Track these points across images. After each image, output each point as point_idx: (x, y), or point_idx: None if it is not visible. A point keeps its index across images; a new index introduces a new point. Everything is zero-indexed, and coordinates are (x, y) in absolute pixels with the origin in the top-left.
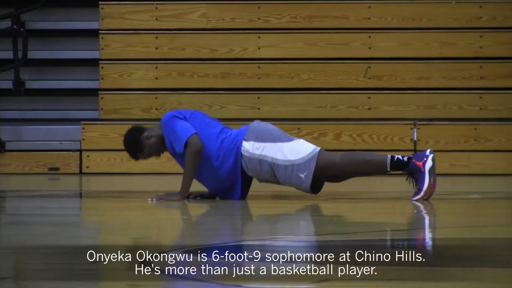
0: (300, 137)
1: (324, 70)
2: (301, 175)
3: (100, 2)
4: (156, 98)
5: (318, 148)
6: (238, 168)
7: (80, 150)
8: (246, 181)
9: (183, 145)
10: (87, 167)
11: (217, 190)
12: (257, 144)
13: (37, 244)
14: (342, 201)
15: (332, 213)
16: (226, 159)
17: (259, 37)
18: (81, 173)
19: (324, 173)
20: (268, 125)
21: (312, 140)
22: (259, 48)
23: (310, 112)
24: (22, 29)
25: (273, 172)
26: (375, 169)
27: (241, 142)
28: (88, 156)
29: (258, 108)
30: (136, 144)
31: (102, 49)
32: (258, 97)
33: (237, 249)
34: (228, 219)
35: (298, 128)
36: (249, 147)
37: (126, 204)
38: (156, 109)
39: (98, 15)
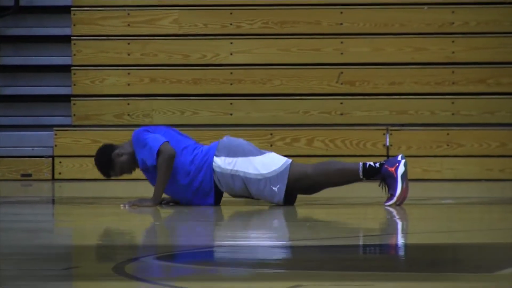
0: (272, 143)
1: (296, 76)
2: (274, 188)
3: (72, 8)
4: (128, 104)
5: (290, 161)
6: (210, 183)
7: (53, 156)
8: (218, 196)
9: (156, 154)
10: (60, 173)
11: (188, 204)
12: (229, 159)
13: (10, 250)
14: (315, 207)
15: (305, 218)
16: (197, 175)
17: (231, 43)
18: (53, 179)
19: (297, 185)
20: (238, 140)
21: (284, 146)
22: (231, 54)
23: (282, 117)
24: None
25: (245, 186)
26: (348, 178)
27: (212, 158)
28: (60, 162)
29: (231, 114)
30: (107, 162)
31: (74, 55)
32: (231, 103)
33: (210, 253)
34: (200, 224)
35: (271, 134)
36: (220, 162)
37: (98, 210)
38: (129, 115)
39: (70, 21)
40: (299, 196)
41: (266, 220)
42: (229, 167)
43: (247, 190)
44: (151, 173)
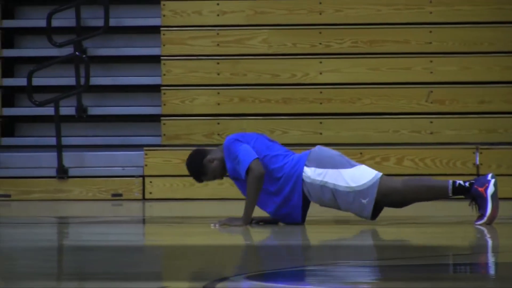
0: (362, 162)
1: (386, 95)
2: (363, 201)
3: (161, 28)
4: (218, 123)
5: (380, 174)
6: (298, 193)
7: (143, 176)
8: (305, 205)
9: (245, 171)
10: (150, 193)
11: (275, 214)
12: (319, 170)
13: (99, 270)
14: (403, 226)
15: (393, 237)
16: (286, 184)
17: (320, 62)
18: (144, 199)
19: (386, 199)
20: (330, 151)
21: (374, 165)
22: (320, 73)
23: (372, 137)
24: (84, 56)
25: (334, 198)
26: (437, 195)
27: (303, 168)
28: (151, 182)
29: (320, 133)
30: (199, 167)
31: (164, 75)
32: (320, 122)
33: (299, 274)
34: (290, 245)
35: (361, 153)
36: (310, 173)
37: (189, 230)
38: (218, 134)
39: (159, 41)
40: (387, 215)
41: (354, 240)
42: (319, 178)
43: (336, 202)
44: (240, 183)
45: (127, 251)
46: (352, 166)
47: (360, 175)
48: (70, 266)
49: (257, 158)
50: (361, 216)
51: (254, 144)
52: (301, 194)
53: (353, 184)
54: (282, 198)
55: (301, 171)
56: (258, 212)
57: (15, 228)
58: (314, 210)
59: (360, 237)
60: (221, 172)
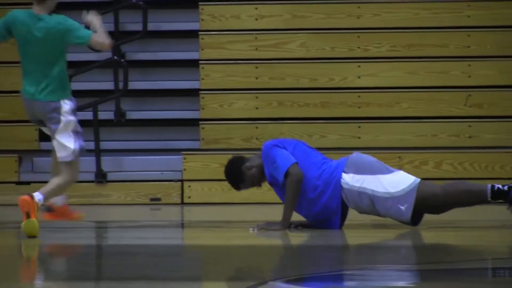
0: (401, 166)
1: (424, 99)
2: (401, 207)
3: (200, 33)
4: (256, 127)
5: (418, 180)
6: (337, 199)
7: (182, 180)
8: (344, 212)
9: (283, 175)
10: (189, 197)
11: (314, 220)
12: (357, 177)
13: (136, 274)
14: (442, 230)
15: (432, 241)
16: (325, 191)
17: (359, 66)
18: (182, 203)
19: (424, 204)
20: (368, 157)
21: (412, 169)
22: (359, 77)
23: (410, 140)
24: (122, 60)
25: (373, 204)
26: (476, 199)
27: (341, 174)
28: (189, 186)
29: (359, 137)
30: (237, 175)
31: (203, 79)
32: (359, 126)
33: (338, 278)
34: (328, 248)
35: (399, 157)
36: (348, 179)
37: (227, 234)
38: (257, 138)
39: (198, 45)
40: (425, 219)
41: (392, 243)
42: (357, 184)
43: (374, 208)
44: (278, 188)
45: (167, 256)
46: (390, 172)
47: (398, 181)
48: (110, 270)
49: (296, 162)
50: (400, 221)
51: (292, 151)
52: (339, 200)
53: (391, 190)
54: (320, 205)
55: (339, 177)
56: (296, 216)
57: (55, 232)
58: (352, 214)
59: (398, 241)
60: (259, 179)
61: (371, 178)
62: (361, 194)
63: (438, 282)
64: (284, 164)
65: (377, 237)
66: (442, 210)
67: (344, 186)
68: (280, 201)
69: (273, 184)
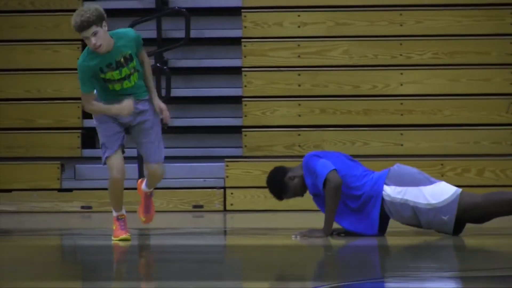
0: (443, 173)
1: (466, 106)
2: (443, 217)
3: (242, 40)
4: (299, 135)
5: (460, 190)
6: (377, 211)
7: (224, 188)
8: (384, 223)
9: (323, 182)
10: (231, 204)
11: (353, 230)
12: (399, 188)
13: (181, 282)
14: (484, 237)
15: (474, 248)
16: (366, 202)
17: (401, 74)
18: (225, 210)
19: (467, 215)
20: (409, 168)
21: (455, 176)
22: (401, 85)
23: (453, 148)
24: (165, 67)
25: (415, 215)
26: None
27: (382, 186)
28: (232, 193)
29: (401, 145)
30: (280, 185)
31: (245, 86)
32: (401, 133)
33: (380, 284)
34: (371, 255)
35: (441, 164)
36: (390, 191)
37: (270, 241)
38: (299, 146)
39: (240, 52)
40: (468, 225)
41: (434, 250)
42: (399, 196)
43: (417, 219)
44: (320, 199)
45: (210, 263)
46: (431, 183)
47: (440, 192)
48: (155, 277)
49: (334, 169)
50: (442, 232)
51: (333, 162)
52: (379, 212)
53: (433, 201)
54: (361, 216)
55: (381, 189)
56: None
57: (97, 240)
58: (393, 222)
59: (440, 248)
60: (301, 190)
61: (413, 190)
62: (404, 205)
63: None
64: (323, 171)
65: (419, 244)
66: (483, 220)
67: (386, 198)
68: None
69: (315, 194)
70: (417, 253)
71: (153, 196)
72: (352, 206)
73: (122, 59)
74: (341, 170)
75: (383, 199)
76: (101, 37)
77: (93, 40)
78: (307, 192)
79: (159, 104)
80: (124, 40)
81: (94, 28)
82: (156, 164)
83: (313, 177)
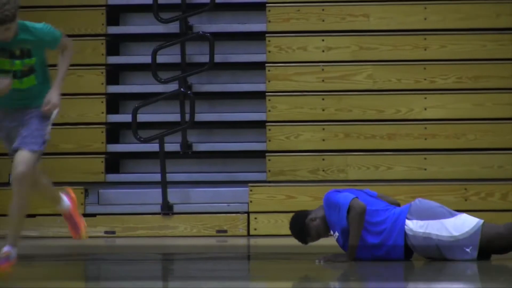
0: (466, 197)
1: (490, 130)
2: (466, 249)
3: (266, 65)
4: (323, 159)
5: (481, 221)
6: (400, 246)
7: (248, 212)
8: (406, 258)
9: (346, 210)
10: (255, 229)
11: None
12: (421, 222)
13: None
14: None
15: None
16: (388, 237)
17: (425, 98)
18: (248, 235)
19: (491, 245)
20: (430, 202)
21: (479, 201)
22: (425, 109)
23: (477, 172)
24: (189, 92)
25: (438, 248)
26: None
27: (404, 221)
28: (255, 218)
29: (425, 169)
30: (302, 230)
31: (269, 111)
32: (425, 158)
33: None
34: (392, 279)
35: (465, 189)
36: (412, 226)
37: (294, 266)
38: (323, 170)
39: (264, 76)
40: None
41: (456, 269)
42: (421, 230)
43: (440, 252)
44: (343, 238)
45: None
46: (453, 215)
47: (462, 224)
48: None
49: (356, 197)
50: None
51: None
52: (402, 247)
53: (455, 233)
54: (383, 251)
55: (403, 224)
56: None
57: (121, 265)
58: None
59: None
60: (324, 230)
61: (435, 223)
62: (426, 239)
63: None
64: (346, 201)
65: (441, 270)
66: (507, 250)
67: (408, 232)
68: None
69: (336, 229)
70: (439, 282)
71: (73, 211)
72: (373, 241)
73: (18, 52)
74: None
75: (405, 233)
76: (13, 30)
77: (5, 34)
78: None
79: (52, 98)
80: (28, 34)
81: (10, 24)
82: (20, 151)
83: (336, 211)
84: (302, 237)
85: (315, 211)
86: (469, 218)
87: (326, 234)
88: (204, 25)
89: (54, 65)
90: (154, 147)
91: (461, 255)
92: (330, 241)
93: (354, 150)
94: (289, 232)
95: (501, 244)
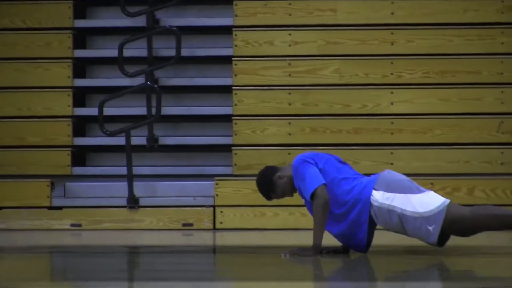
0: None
1: (457, 125)
2: (429, 227)
3: (233, 58)
4: (289, 153)
5: (448, 201)
6: (365, 216)
7: (214, 206)
8: (370, 229)
9: (310, 195)
10: (221, 222)
11: (341, 236)
12: (387, 194)
13: None
14: (473, 256)
15: (463, 268)
16: (354, 207)
17: (392, 93)
18: (214, 229)
19: (453, 226)
20: (399, 175)
21: (445, 195)
22: (392, 104)
23: (443, 167)
24: (156, 86)
25: (401, 223)
26: (505, 224)
27: (371, 191)
28: (221, 212)
29: (391, 164)
30: (269, 184)
31: (235, 105)
32: (391, 153)
33: None
34: (359, 277)
35: (431, 183)
36: (378, 197)
37: (259, 260)
38: (289, 164)
39: (231, 71)
40: (455, 244)
41: (422, 272)
42: (387, 202)
43: (403, 227)
44: (308, 203)
45: (201, 281)
46: (420, 191)
47: (428, 201)
48: None
49: (324, 184)
50: (427, 243)
51: (323, 165)
52: (367, 217)
53: (420, 210)
54: (348, 221)
55: (370, 194)
56: (328, 241)
57: (86, 257)
58: (380, 240)
59: (429, 270)
60: (290, 189)
61: (401, 197)
62: (391, 212)
63: None
64: (312, 184)
65: (407, 266)
66: (470, 233)
67: (374, 203)
68: (312, 226)
69: (303, 196)
70: (405, 276)
71: None
72: (338, 211)
73: None
74: (330, 173)
75: (370, 204)
76: None
77: None
78: (297, 208)
79: None
80: None
81: None
82: None
83: (301, 184)
84: (267, 193)
85: (285, 169)
86: (437, 197)
87: (291, 194)
88: (171, 19)
89: (26, 58)
90: (120, 140)
91: (423, 232)
92: (297, 238)
93: (320, 144)
94: (255, 226)
95: (464, 227)
